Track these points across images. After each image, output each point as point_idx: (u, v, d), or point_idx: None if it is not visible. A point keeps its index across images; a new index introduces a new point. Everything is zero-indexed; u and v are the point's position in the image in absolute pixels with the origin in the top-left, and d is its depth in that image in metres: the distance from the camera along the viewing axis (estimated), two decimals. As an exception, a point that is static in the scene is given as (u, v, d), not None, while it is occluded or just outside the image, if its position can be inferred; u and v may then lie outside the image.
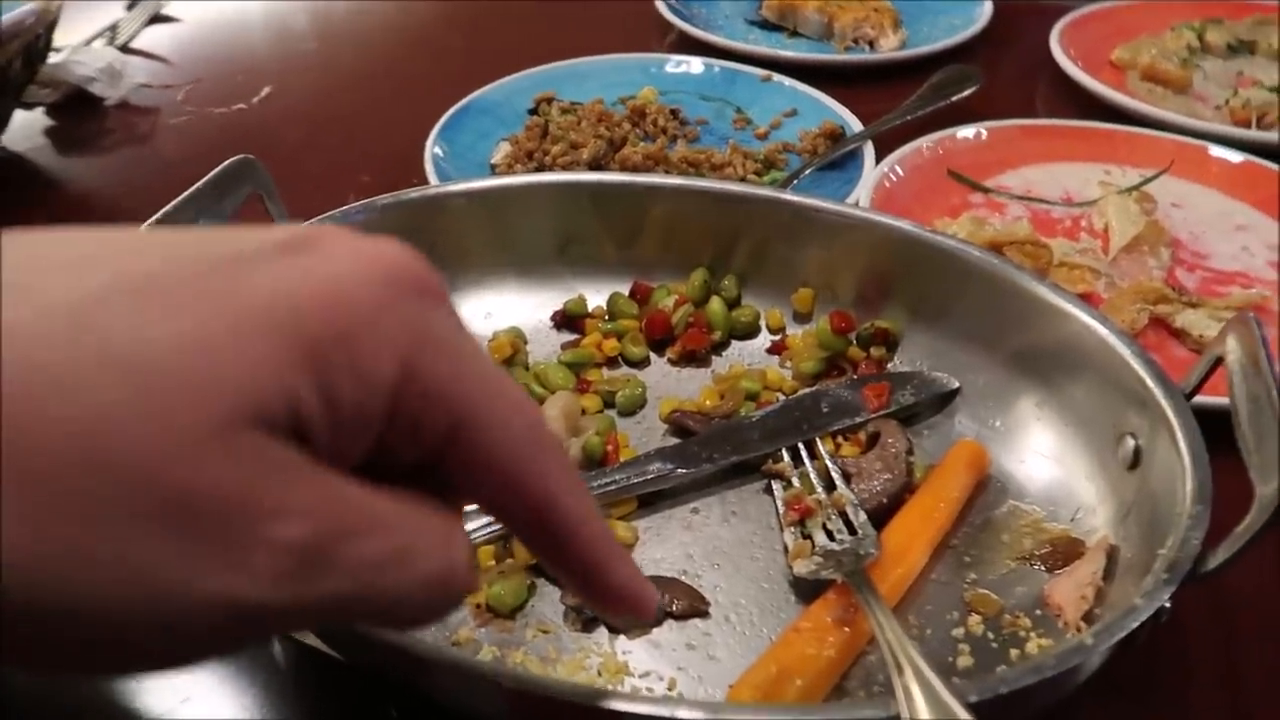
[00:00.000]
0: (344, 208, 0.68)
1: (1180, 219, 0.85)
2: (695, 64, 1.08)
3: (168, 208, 0.58)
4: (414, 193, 0.70)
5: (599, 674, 0.50)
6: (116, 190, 0.99)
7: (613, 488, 0.58)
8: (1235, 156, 0.89)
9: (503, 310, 0.73)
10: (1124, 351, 0.55)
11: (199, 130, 1.07)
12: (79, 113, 1.08)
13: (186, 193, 0.59)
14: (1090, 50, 1.10)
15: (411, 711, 0.51)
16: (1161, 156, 0.90)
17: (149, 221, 0.57)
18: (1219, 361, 0.49)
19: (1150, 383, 0.53)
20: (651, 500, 0.60)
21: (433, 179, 0.87)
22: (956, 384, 0.65)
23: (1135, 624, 0.41)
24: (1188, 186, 0.88)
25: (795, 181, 0.88)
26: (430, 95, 1.04)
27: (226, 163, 0.63)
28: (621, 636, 0.53)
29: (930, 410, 0.65)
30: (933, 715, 0.37)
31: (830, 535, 0.55)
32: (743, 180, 0.90)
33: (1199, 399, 0.53)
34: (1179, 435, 0.49)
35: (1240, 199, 0.86)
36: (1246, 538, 0.42)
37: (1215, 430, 0.50)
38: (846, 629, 0.49)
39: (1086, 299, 0.75)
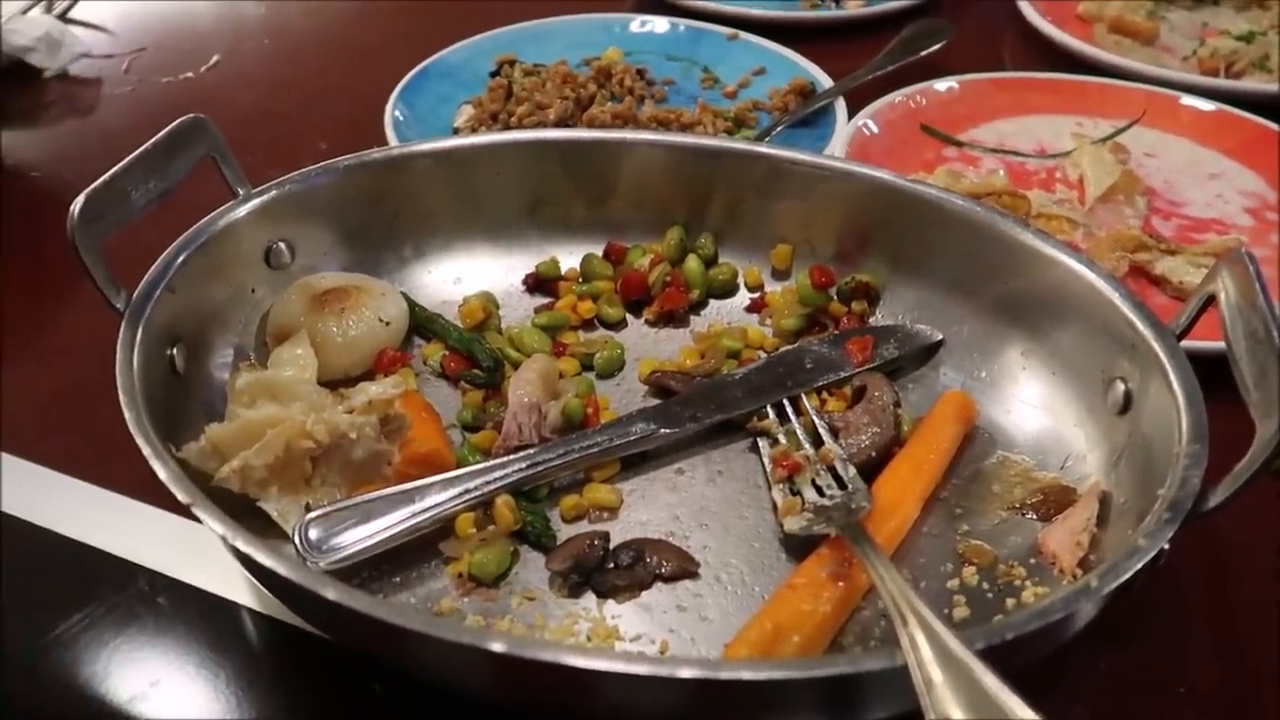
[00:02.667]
0: (304, 169, 0.66)
1: (1154, 168, 0.85)
2: (660, 23, 1.06)
3: (115, 169, 0.55)
4: (377, 153, 0.68)
5: (588, 639, 0.49)
6: (58, 164, 0.94)
7: (595, 450, 0.56)
8: (1206, 105, 0.88)
9: (473, 274, 0.71)
10: (1112, 295, 0.54)
11: (144, 101, 1.02)
12: (17, 84, 1.03)
13: (135, 153, 0.56)
14: (1056, 3, 1.09)
15: (395, 686, 0.49)
16: (1133, 107, 0.89)
17: (97, 183, 0.53)
18: (1211, 300, 0.49)
19: (1140, 325, 0.52)
20: (635, 462, 0.58)
21: (394, 143, 0.84)
22: (940, 336, 0.64)
23: (1139, 564, 0.40)
24: (1160, 136, 0.88)
25: (767, 139, 0.86)
26: (387, 58, 1.00)
27: (177, 122, 0.60)
28: (610, 601, 0.51)
29: (914, 363, 0.64)
30: (940, 664, 0.35)
31: (820, 491, 0.54)
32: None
33: (1186, 343, 0.52)
34: (1172, 375, 0.49)
35: (1212, 147, 0.86)
36: (1247, 474, 0.42)
37: (1204, 375, 0.49)
38: (841, 583, 0.48)
39: (1065, 249, 0.75)
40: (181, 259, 0.58)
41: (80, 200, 0.52)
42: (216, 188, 0.63)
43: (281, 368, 0.59)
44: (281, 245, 0.65)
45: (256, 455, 0.52)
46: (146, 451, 0.46)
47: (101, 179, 0.54)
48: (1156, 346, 0.51)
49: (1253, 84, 0.93)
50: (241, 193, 0.63)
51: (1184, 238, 0.77)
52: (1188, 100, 0.89)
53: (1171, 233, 0.78)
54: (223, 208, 0.61)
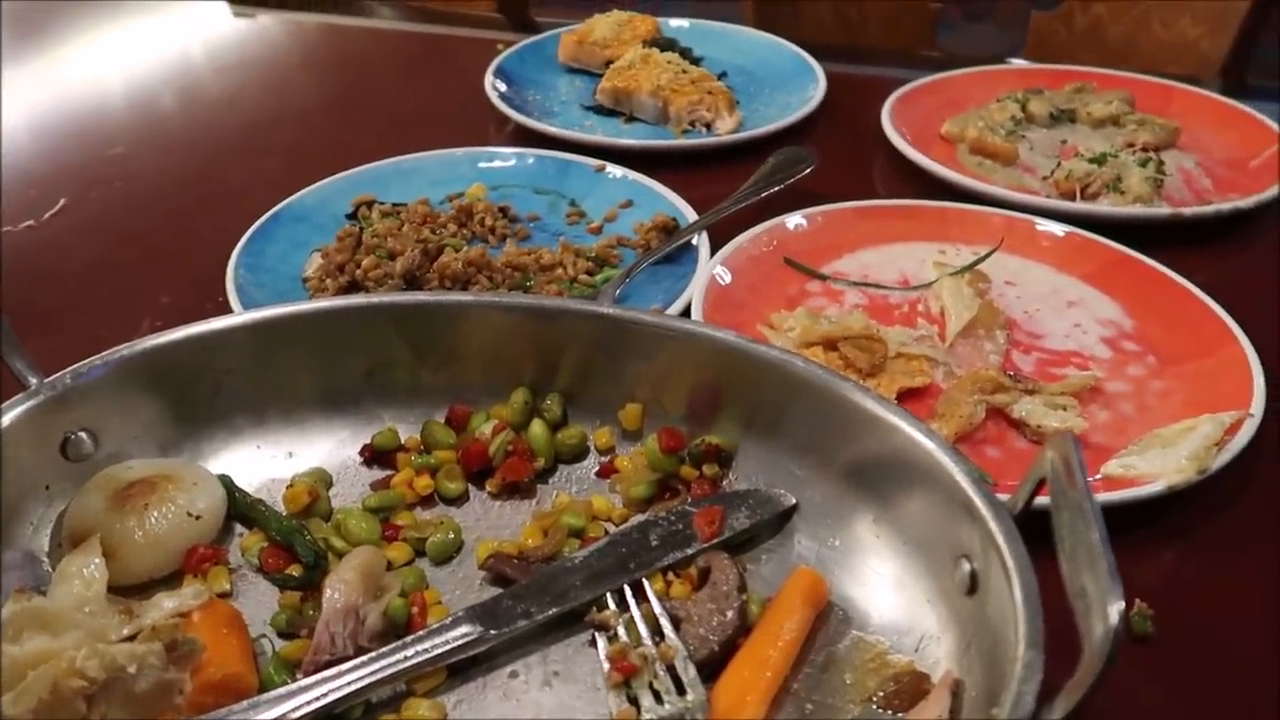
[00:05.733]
0: (104, 353, 0.61)
1: (1014, 298, 0.84)
2: (527, 156, 1.04)
3: None
4: (188, 330, 0.63)
5: None
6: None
7: (415, 660, 0.52)
8: (1060, 230, 0.89)
9: (306, 448, 0.66)
10: (951, 468, 0.52)
11: (-21, 253, 0.96)
12: None
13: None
14: (921, 124, 1.10)
15: None
16: (992, 233, 0.89)
17: None
18: (1043, 482, 0.46)
19: (979, 503, 0.50)
20: (465, 666, 0.54)
21: (235, 304, 0.80)
22: (793, 500, 0.61)
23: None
24: (1020, 262, 0.88)
25: (628, 280, 0.84)
26: (244, 200, 0.96)
27: (-48, 317, 0.55)
28: (423, 846, 0.46)
29: (768, 530, 0.61)
30: None
31: (658, 697, 0.50)
32: (573, 281, 0.85)
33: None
34: (1010, 566, 0.46)
35: (1070, 273, 0.86)
36: (1084, 689, 0.39)
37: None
38: (671, 819, 0.44)
39: (926, 391, 0.73)
40: (-53, 471, 0.52)
41: None
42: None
43: (66, 583, 0.53)
44: (81, 435, 0.60)
45: (15, 702, 0.46)
46: None
47: None
48: (994, 529, 0.48)
49: (1107, 207, 0.94)
50: (33, 383, 0.58)
51: (1043, 373, 0.76)
52: (1043, 225, 0.90)
53: (1031, 367, 0.77)
54: (2, 406, 0.56)
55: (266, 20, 1.58)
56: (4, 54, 1.42)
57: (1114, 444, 0.69)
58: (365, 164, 1.01)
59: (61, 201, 1.04)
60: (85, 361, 0.60)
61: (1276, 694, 0.55)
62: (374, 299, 0.67)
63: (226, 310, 0.81)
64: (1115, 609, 0.37)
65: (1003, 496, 0.50)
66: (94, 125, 1.24)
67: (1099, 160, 0.98)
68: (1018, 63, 1.33)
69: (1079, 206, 0.94)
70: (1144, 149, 1.04)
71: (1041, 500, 0.47)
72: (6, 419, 0.56)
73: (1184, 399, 0.72)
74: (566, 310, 0.66)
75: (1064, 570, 0.42)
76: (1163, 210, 0.93)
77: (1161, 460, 0.63)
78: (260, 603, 0.58)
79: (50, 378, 0.59)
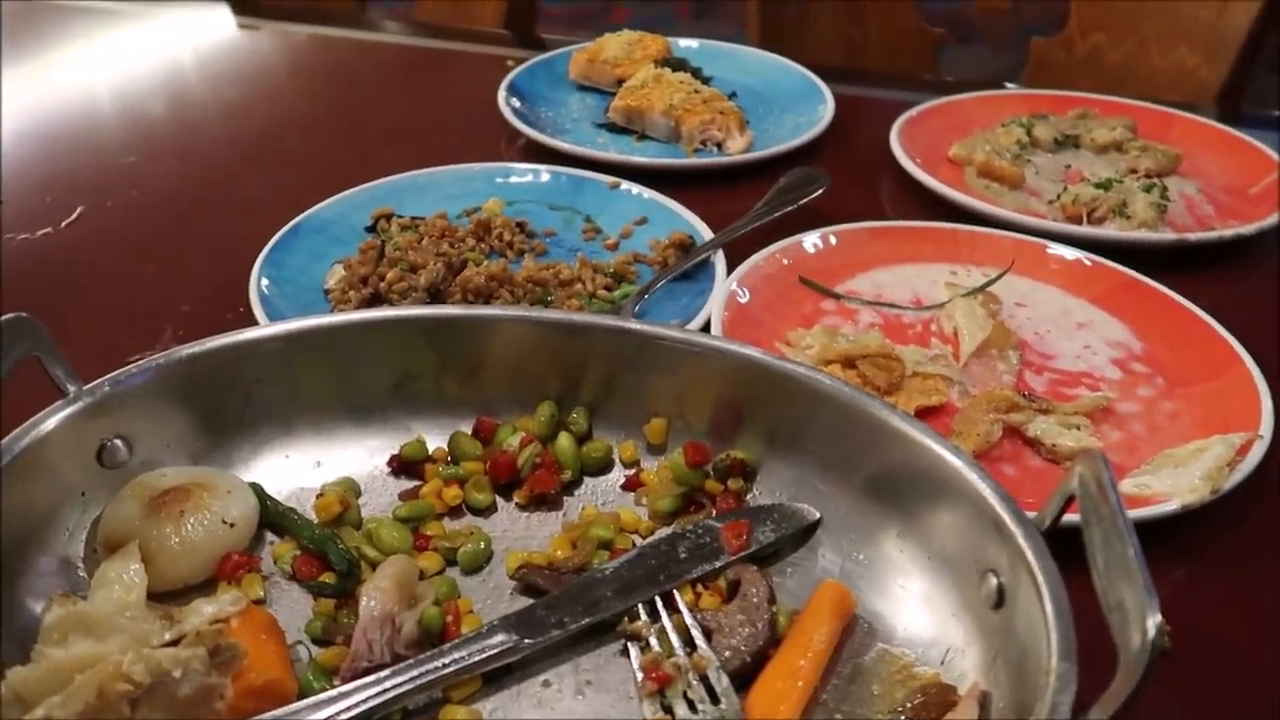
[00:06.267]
0: (141, 361, 0.61)
1: (1025, 319, 0.86)
2: (542, 172, 1.05)
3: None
4: (223, 339, 0.64)
5: None
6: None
7: (452, 668, 0.52)
8: (1070, 253, 0.91)
9: (334, 458, 0.67)
10: (979, 484, 0.53)
11: (-2, 260, 0.97)
12: None
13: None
14: (929, 146, 1.12)
15: None
16: (1002, 255, 0.91)
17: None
18: (1072, 499, 0.48)
19: (1007, 519, 0.51)
20: (499, 675, 0.54)
21: (259, 314, 0.81)
22: (817, 515, 0.62)
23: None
24: (1030, 284, 0.90)
25: (646, 296, 0.85)
26: (261, 211, 0.97)
27: (-4, 322, 0.55)
28: None
29: (793, 544, 0.62)
30: None
31: (692, 705, 0.51)
32: (592, 297, 0.87)
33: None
34: (1040, 580, 0.47)
35: (1079, 295, 0.88)
36: (1120, 699, 0.40)
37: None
38: (711, 825, 0.44)
39: (942, 410, 0.75)
40: (-10, 477, 0.53)
41: None
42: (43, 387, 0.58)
43: (106, 588, 0.54)
44: (117, 442, 0.61)
45: (63, 705, 0.46)
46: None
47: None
48: (1024, 544, 0.49)
49: (1113, 231, 0.96)
50: (72, 390, 0.59)
51: (1056, 393, 0.78)
52: (1053, 249, 0.92)
53: (1044, 388, 0.79)
54: (43, 413, 0.57)
55: (273, 33, 1.59)
56: (18, 61, 1.43)
57: (1126, 463, 0.70)
58: (380, 177, 1.03)
59: (79, 209, 1.04)
60: (123, 369, 0.61)
61: (1289, 709, 0.57)
62: (408, 312, 0.67)
63: (248, 320, 0.82)
64: (1153, 622, 0.39)
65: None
66: (108, 134, 1.25)
67: (1104, 185, 1.00)
68: (1012, 88, 1.35)
69: (1086, 230, 0.96)
70: (1147, 175, 1.06)
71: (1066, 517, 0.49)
72: (48, 425, 0.57)
73: (1193, 420, 0.74)
74: (595, 326, 0.67)
75: (1098, 585, 0.43)
76: (1168, 235, 0.95)
77: (1174, 480, 0.65)
78: (293, 610, 0.58)
79: (89, 385, 0.59)
